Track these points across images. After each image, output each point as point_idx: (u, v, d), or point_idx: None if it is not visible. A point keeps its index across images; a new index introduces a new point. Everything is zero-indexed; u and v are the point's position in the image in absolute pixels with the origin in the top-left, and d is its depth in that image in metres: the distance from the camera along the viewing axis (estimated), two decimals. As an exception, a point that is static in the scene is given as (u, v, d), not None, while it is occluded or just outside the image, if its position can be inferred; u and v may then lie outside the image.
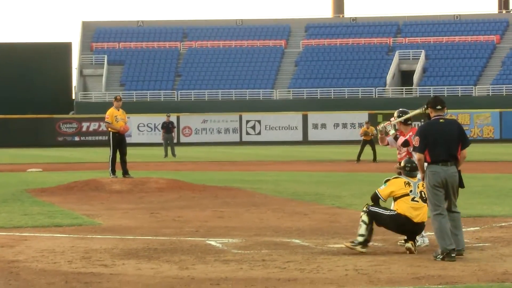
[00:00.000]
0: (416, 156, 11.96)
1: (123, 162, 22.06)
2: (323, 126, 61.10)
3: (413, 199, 12.20)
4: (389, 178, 12.50)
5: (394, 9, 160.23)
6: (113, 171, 22.36)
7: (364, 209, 12.15)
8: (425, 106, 12.08)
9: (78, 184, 24.77)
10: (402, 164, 12.68)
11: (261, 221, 16.83)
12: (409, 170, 12.51)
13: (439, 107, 11.31)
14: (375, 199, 12.41)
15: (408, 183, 12.31)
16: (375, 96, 65.14)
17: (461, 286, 9.87)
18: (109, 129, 22.62)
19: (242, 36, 73.24)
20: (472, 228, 14.86)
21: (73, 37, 78.22)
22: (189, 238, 14.53)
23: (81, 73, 69.53)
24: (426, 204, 12.04)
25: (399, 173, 12.60)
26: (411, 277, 10.47)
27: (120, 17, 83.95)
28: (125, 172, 22.02)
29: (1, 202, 20.99)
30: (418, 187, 12.37)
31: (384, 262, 11.29)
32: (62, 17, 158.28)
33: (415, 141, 11.77)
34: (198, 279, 10.48)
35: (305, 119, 60.74)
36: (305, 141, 59.33)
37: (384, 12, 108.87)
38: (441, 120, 11.32)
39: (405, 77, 67.99)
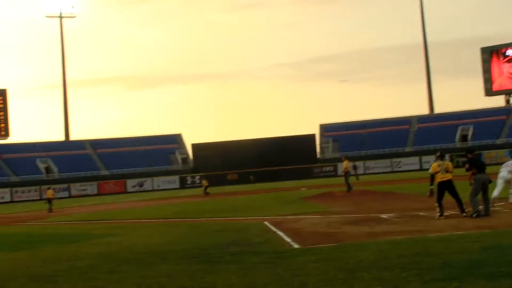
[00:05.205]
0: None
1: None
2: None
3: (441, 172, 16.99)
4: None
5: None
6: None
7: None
8: None
9: (321, 195, 33.32)
10: (438, 153, 17.42)
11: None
12: (440, 157, 17.33)
13: None
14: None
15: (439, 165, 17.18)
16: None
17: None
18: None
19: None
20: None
21: (316, 130, 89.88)
22: (367, 214, 18.86)
23: (320, 146, 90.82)
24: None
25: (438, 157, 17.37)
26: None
27: (340, 119, 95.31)
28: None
29: (289, 203, 28.16)
30: (444, 165, 16.87)
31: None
32: (311, 122, 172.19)
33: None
34: (376, 233, 15.20)
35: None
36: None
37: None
38: None
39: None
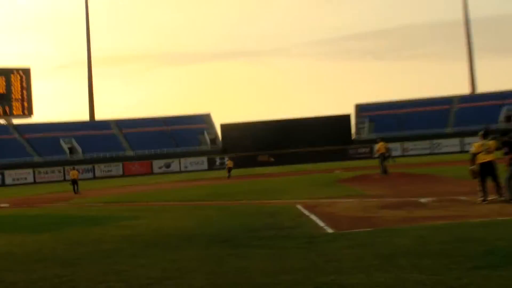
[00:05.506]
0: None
1: None
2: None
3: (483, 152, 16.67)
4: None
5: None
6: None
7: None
8: None
9: (356, 177, 33.01)
10: (481, 132, 16.93)
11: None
12: (483, 135, 16.91)
13: None
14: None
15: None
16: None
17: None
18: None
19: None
20: None
21: (351, 110, 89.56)
22: (405, 198, 18.54)
23: (356, 126, 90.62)
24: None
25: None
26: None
27: (377, 98, 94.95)
28: None
29: (323, 186, 28.02)
30: (486, 146, 16.45)
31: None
32: (346, 101, 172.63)
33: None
34: (415, 218, 15.13)
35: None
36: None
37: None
38: None
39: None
